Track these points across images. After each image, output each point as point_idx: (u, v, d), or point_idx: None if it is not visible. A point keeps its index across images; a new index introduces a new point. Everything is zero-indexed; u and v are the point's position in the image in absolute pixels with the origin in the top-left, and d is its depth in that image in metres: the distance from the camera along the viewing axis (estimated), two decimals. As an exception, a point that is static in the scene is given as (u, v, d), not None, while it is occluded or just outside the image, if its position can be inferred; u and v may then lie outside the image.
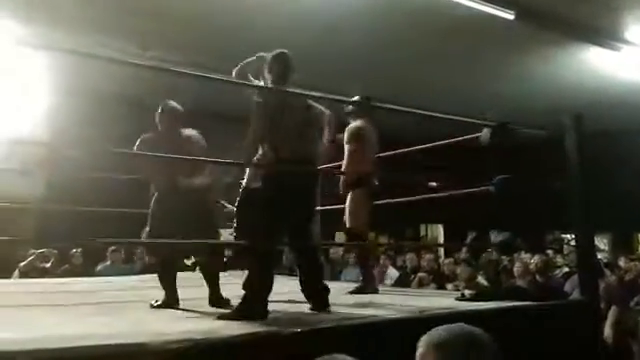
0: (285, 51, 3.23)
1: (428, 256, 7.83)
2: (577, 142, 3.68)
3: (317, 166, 3.32)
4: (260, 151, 3.15)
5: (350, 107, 4.39)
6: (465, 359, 1.43)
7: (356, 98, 4.29)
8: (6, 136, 4.27)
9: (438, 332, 1.50)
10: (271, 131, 3.03)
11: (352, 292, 4.06)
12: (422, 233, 13.33)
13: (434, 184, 5.30)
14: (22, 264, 6.69)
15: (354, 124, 4.35)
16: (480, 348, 1.46)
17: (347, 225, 4.33)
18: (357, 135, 4.28)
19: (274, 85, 3.14)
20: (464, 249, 8.11)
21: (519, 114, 5.45)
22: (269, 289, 2.78)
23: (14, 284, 5.72)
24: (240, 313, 2.61)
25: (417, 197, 4.84)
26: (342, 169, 4.33)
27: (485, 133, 3.74)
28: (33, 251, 6.81)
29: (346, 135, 4.30)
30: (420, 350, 1.49)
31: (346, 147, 4.29)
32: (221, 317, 2.61)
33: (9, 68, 4.03)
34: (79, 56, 3.38)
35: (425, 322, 2.49)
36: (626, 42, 7.54)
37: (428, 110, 4.15)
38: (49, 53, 4.95)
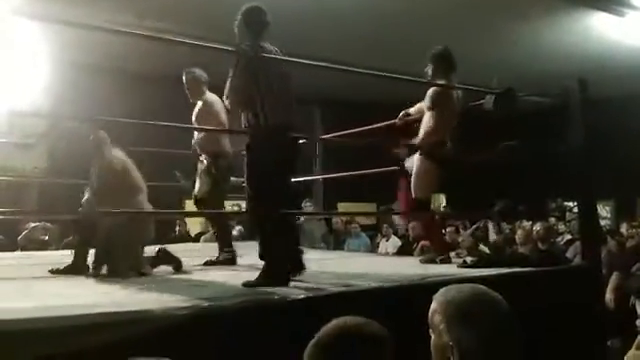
0: (258, 4, 3.06)
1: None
2: (581, 108, 3.66)
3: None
4: (246, 117, 2.99)
5: (430, 67, 4.07)
6: (475, 315, 1.45)
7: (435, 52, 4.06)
8: (7, 109, 4.25)
9: (451, 289, 1.53)
10: (263, 97, 2.89)
11: (423, 261, 4.02)
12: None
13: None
14: (19, 237, 6.72)
15: (434, 88, 3.94)
16: (490, 306, 1.48)
17: (412, 192, 4.06)
18: (437, 100, 3.91)
19: (254, 43, 2.95)
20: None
21: (523, 81, 5.40)
22: (287, 255, 2.81)
23: (17, 257, 5.76)
24: (264, 281, 2.65)
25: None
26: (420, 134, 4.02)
27: (489, 100, 3.71)
28: (30, 224, 6.84)
29: (427, 99, 3.96)
30: (433, 306, 1.52)
31: (426, 112, 3.99)
32: (246, 284, 2.66)
33: (7, 39, 3.99)
34: (74, 27, 3.34)
35: (427, 288, 2.52)
36: (631, 7, 7.42)
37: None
38: (48, 26, 4.91)
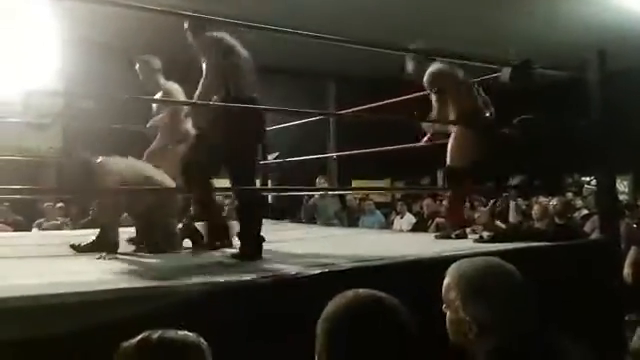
0: None
1: (446, 202, 7.81)
2: (600, 80, 3.57)
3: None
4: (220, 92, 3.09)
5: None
6: (490, 289, 1.43)
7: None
8: (22, 88, 4.26)
9: (463, 263, 1.51)
10: (236, 78, 3.06)
11: (438, 237, 4.04)
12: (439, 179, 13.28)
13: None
14: (35, 222, 6.79)
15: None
16: (505, 278, 1.46)
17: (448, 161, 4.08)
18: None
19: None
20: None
21: (540, 53, 5.28)
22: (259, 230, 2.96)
23: (36, 236, 5.83)
24: (241, 255, 2.82)
25: (433, 142, 4.78)
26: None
27: (505, 72, 3.63)
28: (48, 204, 6.92)
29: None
30: (446, 281, 1.50)
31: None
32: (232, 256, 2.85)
33: (18, 17, 3.97)
34: (90, 3, 3.30)
35: (444, 263, 2.50)
36: (652, -25, 7.23)
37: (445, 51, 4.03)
38: (59, 2, 4.88)
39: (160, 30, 6.71)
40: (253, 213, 3.03)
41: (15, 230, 6.38)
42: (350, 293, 1.29)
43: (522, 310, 1.42)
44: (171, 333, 1.30)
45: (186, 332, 1.32)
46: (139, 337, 1.29)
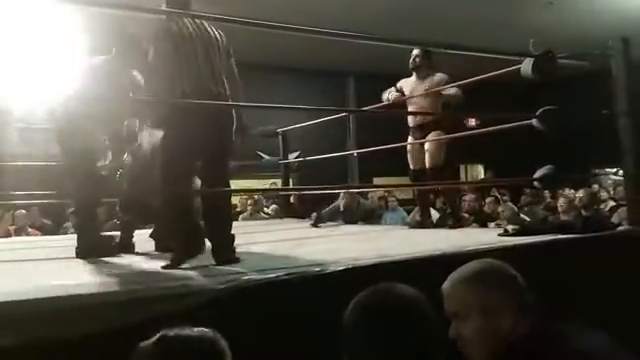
0: None
1: (469, 196, 7.74)
2: (625, 66, 3.50)
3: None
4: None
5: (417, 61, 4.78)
6: (512, 275, 1.42)
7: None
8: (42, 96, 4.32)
9: (468, 267, 1.47)
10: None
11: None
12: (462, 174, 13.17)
13: (473, 122, 5.14)
14: (63, 226, 6.87)
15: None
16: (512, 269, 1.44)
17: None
18: None
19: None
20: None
21: (561, 44, 5.18)
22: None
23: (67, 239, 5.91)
24: (173, 264, 2.55)
25: (454, 135, 4.75)
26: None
27: (526, 64, 3.55)
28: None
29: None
30: (457, 290, 1.44)
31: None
32: (164, 267, 2.57)
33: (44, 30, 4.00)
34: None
35: (469, 258, 2.47)
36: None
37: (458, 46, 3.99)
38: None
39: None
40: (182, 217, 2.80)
41: (43, 234, 6.48)
42: (371, 288, 1.32)
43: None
44: (188, 331, 1.30)
45: (203, 329, 1.31)
46: (156, 336, 1.29)
